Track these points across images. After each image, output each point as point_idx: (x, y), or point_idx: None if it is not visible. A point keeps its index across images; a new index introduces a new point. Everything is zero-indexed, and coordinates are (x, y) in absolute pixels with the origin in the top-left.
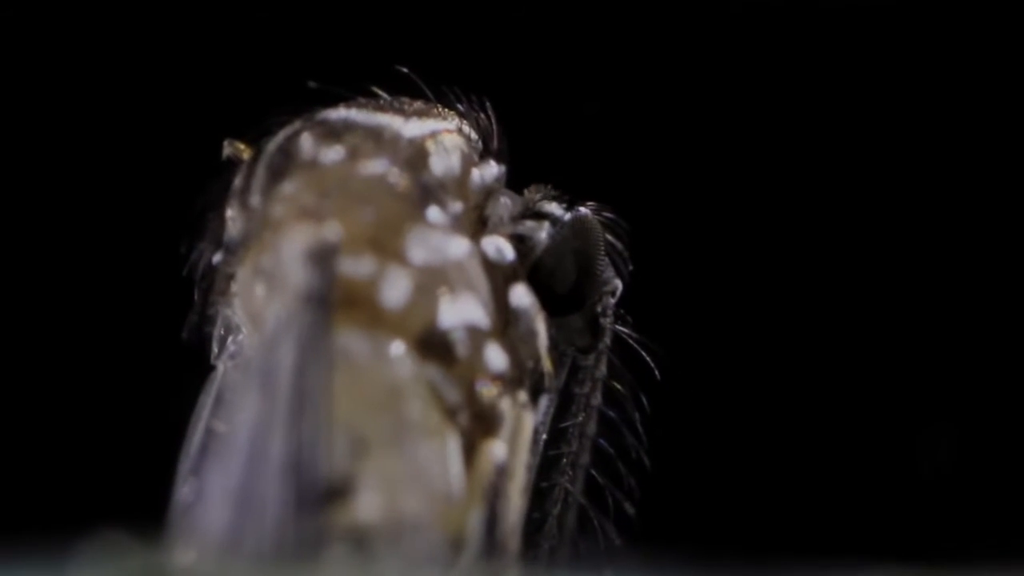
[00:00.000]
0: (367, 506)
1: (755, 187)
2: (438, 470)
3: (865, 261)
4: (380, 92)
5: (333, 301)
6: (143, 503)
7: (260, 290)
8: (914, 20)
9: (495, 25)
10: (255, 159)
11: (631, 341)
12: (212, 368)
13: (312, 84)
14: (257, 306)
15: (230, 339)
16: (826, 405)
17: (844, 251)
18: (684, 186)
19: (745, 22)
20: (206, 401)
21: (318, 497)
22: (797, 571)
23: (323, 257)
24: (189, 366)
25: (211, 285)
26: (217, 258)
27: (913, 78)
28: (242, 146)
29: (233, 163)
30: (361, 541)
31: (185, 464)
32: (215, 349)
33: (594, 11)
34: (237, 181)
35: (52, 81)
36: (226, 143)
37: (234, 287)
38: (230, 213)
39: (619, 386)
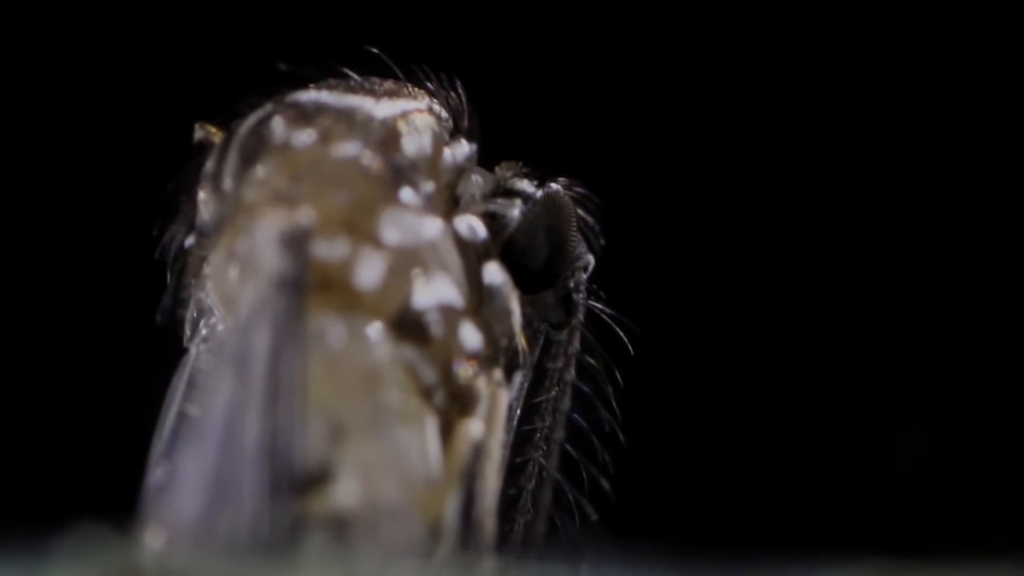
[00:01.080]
0: (345, 492)
1: (731, 161)
2: (416, 454)
3: (846, 246)
4: (350, 73)
5: (307, 284)
6: (119, 494)
7: (233, 274)
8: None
9: (464, 3)
10: (227, 142)
11: (604, 316)
12: (184, 351)
13: (282, 66)
14: (230, 290)
15: (203, 322)
16: (804, 387)
17: (823, 231)
18: (657, 161)
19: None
20: (178, 384)
21: (294, 484)
22: (772, 558)
23: (296, 241)
24: (161, 355)
25: (184, 268)
26: (190, 241)
27: (884, 74)
28: (213, 129)
29: (204, 146)
30: (339, 528)
31: (157, 448)
32: (188, 332)
33: None
34: (209, 164)
35: (21, 65)
36: (197, 126)
37: (207, 270)
38: (202, 196)
39: (592, 361)
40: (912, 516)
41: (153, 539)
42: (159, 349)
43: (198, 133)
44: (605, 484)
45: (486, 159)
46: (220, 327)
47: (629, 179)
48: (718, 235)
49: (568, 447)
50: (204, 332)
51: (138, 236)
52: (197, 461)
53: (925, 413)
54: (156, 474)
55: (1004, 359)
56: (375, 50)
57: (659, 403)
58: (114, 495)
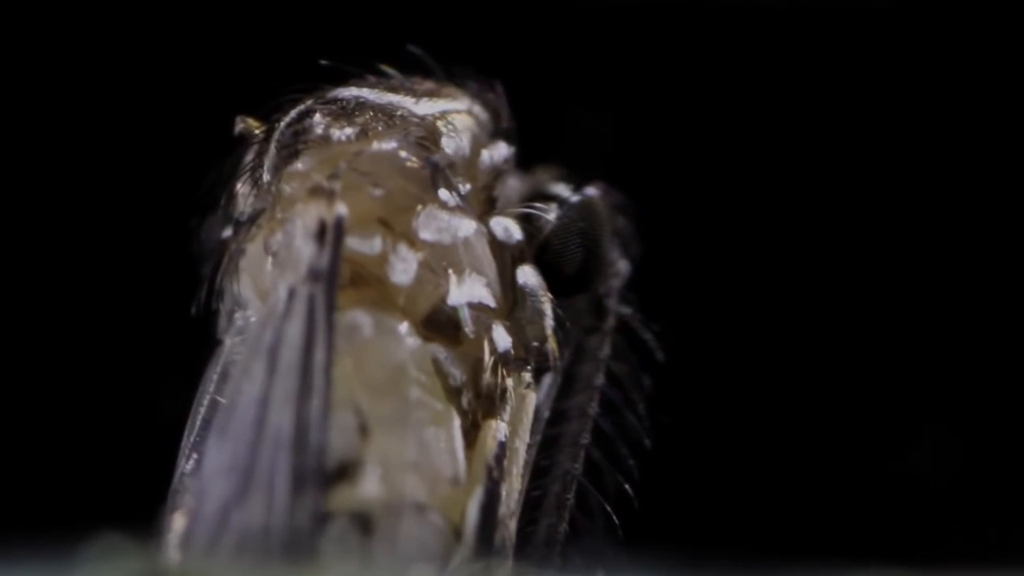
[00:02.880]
0: (369, 488)
1: (765, 176)
2: (442, 453)
3: (867, 253)
4: (392, 71)
5: (340, 279)
6: (143, 501)
7: (269, 267)
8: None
9: (508, 6)
10: (267, 136)
11: (635, 323)
12: (218, 343)
13: (324, 62)
14: (265, 283)
15: (237, 315)
16: (821, 395)
17: (849, 238)
18: (695, 170)
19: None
20: (211, 376)
21: (320, 476)
22: (787, 565)
23: (331, 235)
24: (186, 358)
25: (220, 261)
26: (227, 234)
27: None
28: (254, 123)
29: (245, 139)
30: (362, 523)
31: (188, 438)
32: (222, 324)
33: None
34: (248, 157)
35: (64, 55)
36: (238, 120)
37: (243, 263)
38: (241, 189)
39: (622, 367)
40: (926, 523)
41: (176, 525)
42: (185, 353)
43: (239, 126)
44: (628, 489)
45: (524, 162)
46: (253, 319)
47: (668, 187)
48: (742, 246)
49: (594, 451)
50: (239, 325)
51: (173, 229)
52: (225, 450)
53: (939, 420)
54: (185, 462)
55: (1018, 367)
56: (417, 50)
57: (682, 409)
58: (139, 502)
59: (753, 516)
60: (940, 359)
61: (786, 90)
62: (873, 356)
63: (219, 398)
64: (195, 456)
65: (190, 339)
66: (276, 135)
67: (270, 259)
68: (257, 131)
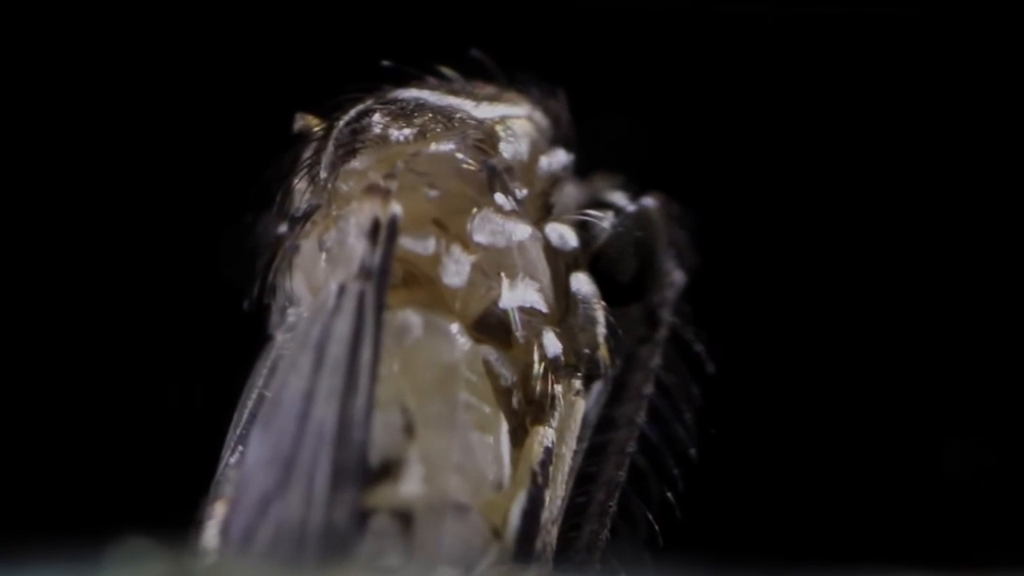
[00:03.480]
0: (412, 487)
1: (821, 193)
2: (486, 455)
3: (907, 261)
4: (453, 75)
5: (392, 277)
6: (170, 506)
7: (322, 264)
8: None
9: (572, 13)
10: (326, 133)
11: (687, 335)
12: (270, 338)
13: (387, 64)
14: (318, 279)
15: (290, 311)
16: (870, 407)
17: (889, 243)
18: (752, 184)
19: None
20: (261, 369)
21: (363, 473)
22: (823, 569)
23: (385, 234)
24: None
25: (273, 257)
26: (282, 230)
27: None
28: (314, 120)
29: (303, 136)
30: (403, 522)
31: (235, 431)
32: (275, 320)
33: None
34: (307, 154)
35: (130, 46)
36: (298, 116)
37: (296, 260)
38: (298, 186)
39: (672, 377)
40: (957, 527)
41: (216, 514)
42: (221, 355)
43: (298, 123)
44: (671, 499)
45: (582, 169)
46: (304, 315)
47: (724, 199)
48: (790, 260)
49: (639, 460)
50: (290, 320)
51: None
52: (268, 442)
53: (972, 425)
54: (230, 454)
55: None
56: (480, 55)
57: (729, 420)
58: (167, 505)
59: (794, 525)
60: (976, 362)
61: (823, 96)
62: (918, 367)
63: (266, 392)
64: (240, 448)
65: (226, 341)
66: (335, 133)
67: (323, 256)
68: (316, 128)
